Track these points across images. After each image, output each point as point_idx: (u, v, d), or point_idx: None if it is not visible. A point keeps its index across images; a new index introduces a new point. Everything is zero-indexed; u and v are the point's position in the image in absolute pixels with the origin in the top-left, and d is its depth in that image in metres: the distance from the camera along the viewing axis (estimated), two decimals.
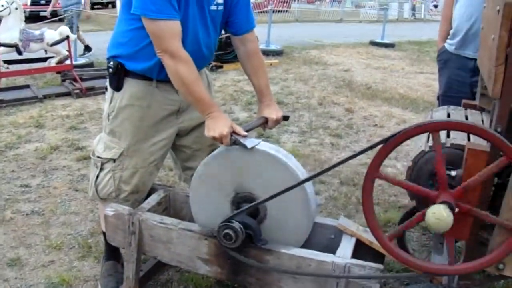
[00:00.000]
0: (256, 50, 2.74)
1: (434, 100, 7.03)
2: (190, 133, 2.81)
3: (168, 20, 2.29)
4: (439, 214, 1.86)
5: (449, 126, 1.95)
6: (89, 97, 6.81)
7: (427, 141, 2.30)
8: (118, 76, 2.56)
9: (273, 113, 2.65)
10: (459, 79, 3.69)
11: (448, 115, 2.61)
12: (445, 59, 3.82)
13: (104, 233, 2.84)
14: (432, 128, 1.86)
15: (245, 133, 2.39)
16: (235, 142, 2.35)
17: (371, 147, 1.99)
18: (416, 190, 2.00)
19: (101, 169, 2.70)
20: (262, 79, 2.71)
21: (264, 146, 2.39)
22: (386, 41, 13.64)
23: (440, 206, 1.88)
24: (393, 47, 13.32)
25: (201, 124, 2.68)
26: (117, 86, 2.58)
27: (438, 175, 1.94)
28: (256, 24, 2.69)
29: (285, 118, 2.75)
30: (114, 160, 2.66)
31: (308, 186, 2.36)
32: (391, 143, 1.89)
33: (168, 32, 2.30)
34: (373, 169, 1.94)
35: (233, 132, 2.35)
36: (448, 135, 2.29)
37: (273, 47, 11.02)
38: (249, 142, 2.35)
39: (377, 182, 4.34)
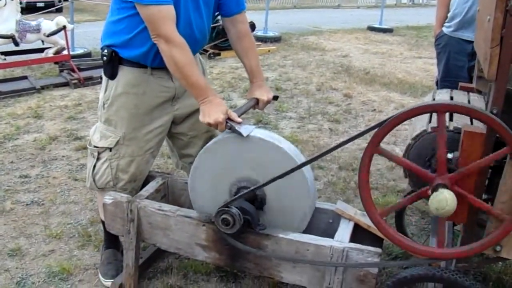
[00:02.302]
0: (247, 31, 2.74)
1: (432, 84, 7.04)
2: (185, 120, 2.82)
3: (161, 4, 2.28)
4: (444, 200, 1.86)
5: (457, 109, 1.93)
6: (87, 87, 6.80)
7: (429, 121, 2.29)
8: (112, 64, 2.56)
9: (264, 94, 2.67)
10: (457, 63, 3.68)
11: (451, 98, 2.61)
12: (443, 44, 3.81)
13: (103, 222, 2.85)
14: (441, 108, 1.87)
15: (240, 120, 2.39)
16: (230, 129, 2.36)
17: (367, 130, 2.00)
18: (415, 170, 2.00)
19: (98, 159, 2.71)
20: (253, 59, 2.72)
21: (259, 132, 2.39)
22: (384, 26, 13.59)
23: (445, 191, 1.88)
24: (391, 32, 13.28)
25: (197, 111, 2.68)
26: (112, 74, 2.58)
27: (438, 157, 1.94)
28: (246, 7, 2.69)
29: (275, 98, 2.77)
30: (111, 149, 2.66)
31: (307, 171, 2.36)
32: (399, 117, 1.89)
33: (161, 17, 2.29)
34: (373, 144, 1.95)
35: (228, 119, 2.35)
36: (451, 119, 2.29)
37: (271, 33, 10.98)
38: (244, 130, 2.34)
39: (376, 167, 4.39)
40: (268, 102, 2.70)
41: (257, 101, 2.67)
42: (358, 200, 3.71)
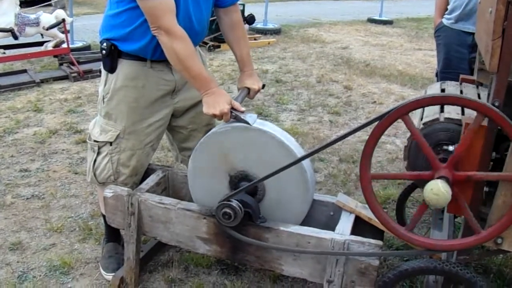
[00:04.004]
0: (240, 20, 2.77)
1: (432, 76, 7.02)
2: (185, 114, 2.81)
3: None
4: (436, 190, 1.86)
5: (459, 101, 1.92)
6: (86, 80, 6.79)
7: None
8: (111, 57, 2.55)
9: (255, 83, 2.71)
10: (458, 55, 3.67)
11: (443, 91, 2.60)
12: (443, 35, 3.80)
13: (104, 216, 2.85)
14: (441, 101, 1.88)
15: (243, 109, 2.39)
16: (235, 118, 2.36)
17: (368, 123, 1.99)
18: (413, 176, 2.00)
19: (98, 153, 2.70)
20: (244, 48, 2.74)
21: (260, 123, 2.39)
22: (384, 18, 13.54)
23: (437, 181, 1.88)
24: (391, 24, 13.23)
25: (197, 104, 2.69)
26: (111, 68, 2.57)
27: (426, 155, 1.94)
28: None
29: (263, 86, 2.82)
30: (111, 143, 2.66)
31: (306, 163, 2.36)
32: (401, 109, 1.89)
33: (161, 9, 2.28)
34: (375, 137, 1.95)
35: (232, 108, 2.36)
36: (441, 110, 2.28)
37: (270, 25, 10.94)
38: (249, 119, 2.35)
39: (376, 159, 4.39)
40: (258, 91, 2.73)
41: (248, 90, 2.69)
42: (359, 193, 3.71)
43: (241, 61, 2.74)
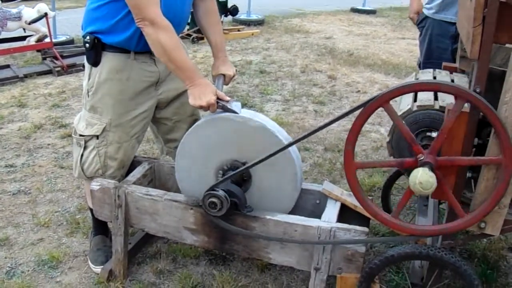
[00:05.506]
0: (215, 8, 2.81)
1: (416, 65, 7.05)
2: (169, 105, 2.82)
3: None
4: (421, 177, 1.89)
5: (441, 88, 1.95)
6: (70, 74, 6.74)
7: (415, 100, 2.31)
8: (95, 51, 2.54)
9: (229, 69, 2.73)
10: (440, 45, 3.67)
11: (434, 78, 2.62)
12: (425, 26, 3.79)
13: (91, 209, 2.85)
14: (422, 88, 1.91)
15: (228, 98, 2.41)
16: (222, 108, 2.37)
17: (352, 111, 2.02)
18: (396, 164, 2.03)
19: (85, 147, 2.70)
20: (218, 35, 2.77)
21: (246, 113, 2.41)
22: (367, 7, 13.56)
23: (417, 170, 1.91)
24: (375, 13, 13.25)
25: (180, 95, 2.70)
26: (95, 61, 2.56)
27: (408, 141, 1.97)
28: None
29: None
30: (98, 137, 2.65)
31: (292, 150, 2.37)
32: (387, 95, 1.91)
33: (146, 0, 2.27)
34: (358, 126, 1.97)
35: (218, 98, 2.38)
36: (436, 98, 2.30)
37: (254, 16, 10.92)
38: (235, 107, 2.37)
39: (361, 147, 4.42)
40: (233, 76, 2.76)
41: (224, 77, 2.71)
42: (345, 181, 3.74)
43: (215, 47, 2.76)
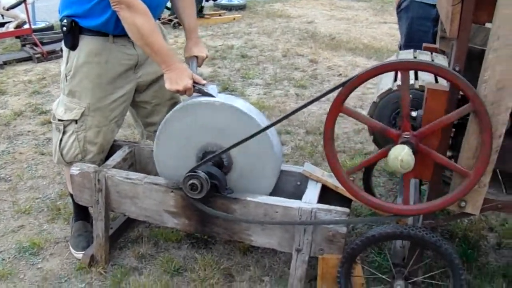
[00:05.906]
0: None
1: (397, 49, 7.06)
2: (148, 88, 2.80)
3: None
4: (400, 155, 1.89)
5: (420, 67, 1.95)
6: (50, 61, 6.67)
7: (395, 80, 2.31)
8: (73, 34, 2.51)
9: (202, 50, 2.75)
10: (421, 28, 3.64)
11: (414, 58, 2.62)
12: (405, 7, 3.76)
13: (71, 195, 2.83)
14: (403, 67, 1.89)
15: (204, 81, 2.41)
16: (199, 92, 2.37)
17: (331, 90, 2.02)
18: (379, 128, 2.02)
19: (64, 132, 2.67)
20: (191, 17, 2.79)
21: (223, 98, 2.41)
22: None
23: (402, 146, 1.91)
24: None
25: (159, 78, 2.68)
26: (73, 45, 2.53)
27: (402, 115, 1.96)
28: None
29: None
30: (76, 121, 2.63)
31: (271, 133, 2.37)
32: (362, 76, 1.91)
33: None
34: (338, 102, 1.96)
35: (194, 82, 2.37)
36: (416, 77, 2.30)
37: (236, 1, 10.85)
38: (211, 90, 2.37)
39: (343, 130, 4.42)
40: (206, 57, 2.77)
41: (197, 58, 2.72)
42: (326, 164, 3.72)
43: (189, 29, 2.77)
